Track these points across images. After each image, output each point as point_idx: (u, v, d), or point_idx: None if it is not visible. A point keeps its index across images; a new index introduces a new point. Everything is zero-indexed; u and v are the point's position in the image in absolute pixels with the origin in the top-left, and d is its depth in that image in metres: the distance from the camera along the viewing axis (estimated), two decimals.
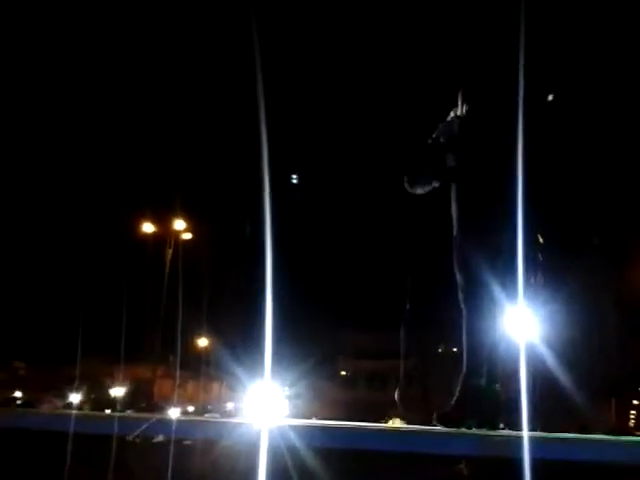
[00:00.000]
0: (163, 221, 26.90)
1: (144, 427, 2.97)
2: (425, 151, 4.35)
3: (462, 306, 4.07)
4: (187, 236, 27.31)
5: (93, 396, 29.54)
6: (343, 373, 43.66)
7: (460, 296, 4.08)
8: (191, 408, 29.24)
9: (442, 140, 4.31)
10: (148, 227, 26.79)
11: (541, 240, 4.31)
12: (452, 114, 4.34)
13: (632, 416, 32.75)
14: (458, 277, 4.09)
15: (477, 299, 3.98)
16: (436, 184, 4.32)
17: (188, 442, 3.14)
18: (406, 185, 4.37)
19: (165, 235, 26.64)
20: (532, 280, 4.20)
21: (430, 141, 4.35)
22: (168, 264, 25.51)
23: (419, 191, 4.37)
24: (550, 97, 4.16)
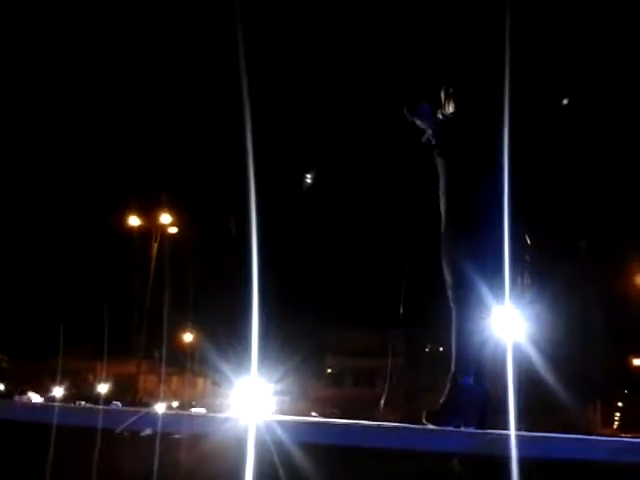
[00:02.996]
0: (149, 215, 26.78)
1: (132, 420, 2.95)
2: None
3: (451, 305, 4.08)
4: (173, 230, 27.22)
5: (75, 391, 29.36)
6: (330, 370, 43.66)
7: (449, 295, 4.09)
8: (175, 404, 29.16)
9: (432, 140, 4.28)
10: (134, 220, 26.66)
11: (529, 241, 4.33)
12: (439, 115, 4.29)
13: (616, 418, 32.98)
14: (447, 277, 4.09)
15: (465, 299, 3.99)
16: (429, 129, 4.26)
17: (175, 437, 3.12)
18: (406, 112, 4.31)
19: (151, 229, 26.52)
20: (519, 281, 4.22)
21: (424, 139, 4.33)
22: (154, 258, 25.43)
23: (418, 122, 4.30)
24: (565, 101, 4.16)
